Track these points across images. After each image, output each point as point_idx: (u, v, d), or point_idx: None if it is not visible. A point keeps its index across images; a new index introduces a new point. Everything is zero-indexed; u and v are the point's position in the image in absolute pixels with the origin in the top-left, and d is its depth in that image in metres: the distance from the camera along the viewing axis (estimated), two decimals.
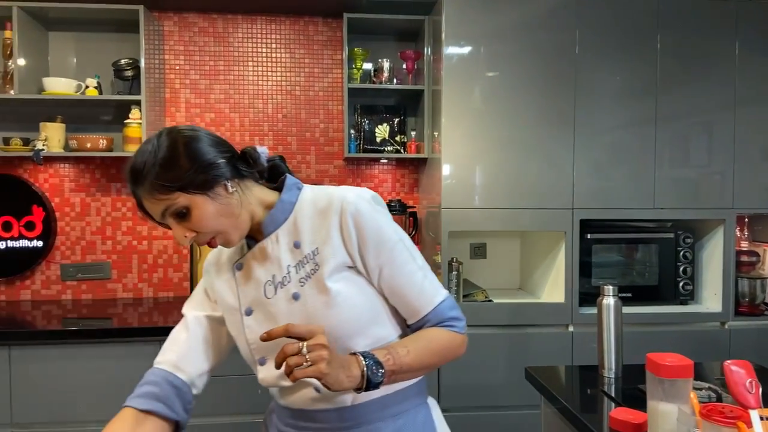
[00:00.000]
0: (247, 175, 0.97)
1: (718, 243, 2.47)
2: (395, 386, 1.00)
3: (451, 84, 2.31)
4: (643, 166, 2.38)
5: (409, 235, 2.13)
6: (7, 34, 2.40)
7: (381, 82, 2.62)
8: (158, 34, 2.66)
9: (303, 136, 2.77)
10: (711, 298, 2.49)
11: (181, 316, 1.08)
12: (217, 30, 2.73)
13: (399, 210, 2.65)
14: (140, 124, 2.43)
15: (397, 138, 2.75)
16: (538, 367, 1.69)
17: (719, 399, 1.30)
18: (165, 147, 0.90)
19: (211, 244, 0.96)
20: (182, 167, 0.89)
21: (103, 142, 2.43)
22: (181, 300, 2.58)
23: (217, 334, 1.06)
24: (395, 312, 1.02)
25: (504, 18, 2.31)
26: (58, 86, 2.39)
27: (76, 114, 2.57)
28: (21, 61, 2.35)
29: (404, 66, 2.67)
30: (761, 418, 0.94)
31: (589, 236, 2.39)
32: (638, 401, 1.36)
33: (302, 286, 0.96)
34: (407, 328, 1.04)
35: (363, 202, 0.97)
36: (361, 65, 2.65)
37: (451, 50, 2.30)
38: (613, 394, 1.48)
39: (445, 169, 2.31)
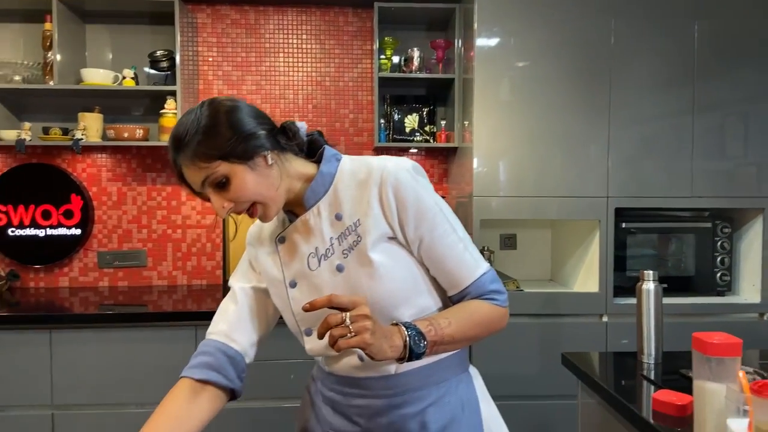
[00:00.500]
0: (286, 148, 0.98)
1: (757, 233, 2.41)
2: (437, 356, 1.00)
3: (482, 73, 2.30)
4: (680, 155, 2.34)
5: None
6: (47, 26, 2.46)
7: (411, 71, 2.62)
8: (192, 26, 2.70)
9: (333, 127, 2.79)
10: (749, 289, 2.44)
11: (215, 302, 1.10)
12: (248, 22, 2.76)
13: None
14: (175, 114, 2.48)
15: (427, 128, 2.74)
16: (575, 353, 1.67)
17: None
18: (207, 116, 0.91)
19: (252, 213, 0.95)
20: (223, 136, 0.89)
21: (139, 132, 2.48)
22: (214, 288, 2.64)
23: (264, 305, 1.08)
24: (436, 283, 1.02)
25: (537, 6, 2.29)
26: (97, 77, 2.45)
27: (112, 105, 2.63)
28: (60, 53, 2.41)
29: (434, 55, 2.67)
30: None
31: (624, 225, 2.35)
32: (681, 385, 1.34)
33: (345, 257, 0.96)
34: (449, 300, 1.04)
35: (403, 172, 0.96)
36: (391, 54, 2.65)
37: (483, 38, 2.29)
38: (653, 378, 1.45)
39: (477, 158, 2.30)
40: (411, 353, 0.87)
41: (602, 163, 2.32)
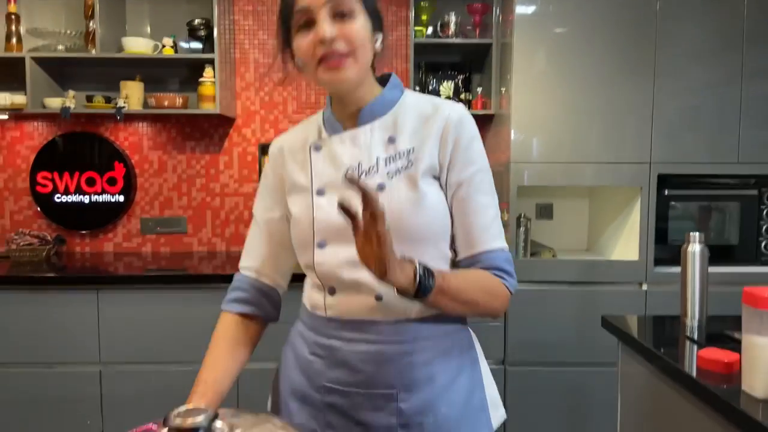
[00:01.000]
0: (378, 50, 0.98)
1: None
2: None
3: (522, 37, 2.26)
4: (727, 122, 2.27)
5: None
6: None
7: (447, 37, 2.58)
8: None
9: None
10: None
11: None
12: None
13: None
14: (213, 82, 2.51)
15: (462, 96, 2.71)
16: (616, 316, 1.66)
17: None
18: None
19: (339, 63, 0.90)
20: None
21: (179, 100, 2.52)
22: None
23: (290, 234, 1.05)
24: (452, 241, 1.00)
25: None
26: (137, 45, 2.49)
27: (151, 75, 2.66)
28: (100, 23, 2.45)
29: (471, 21, 2.63)
30: None
31: (666, 192, 2.30)
32: (727, 346, 1.32)
33: (390, 179, 0.94)
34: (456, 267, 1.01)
35: (469, 117, 0.98)
36: (427, 20, 2.62)
37: (523, 3, 2.24)
38: (696, 338, 1.43)
39: (514, 125, 2.27)
40: (419, 287, 0.84)
41: (646, 128, 2.26)
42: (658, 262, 2.31)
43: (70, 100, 2.50)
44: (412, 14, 2.53)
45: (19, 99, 2.45)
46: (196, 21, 2.60)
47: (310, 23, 0.90)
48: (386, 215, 0.78)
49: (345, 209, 0.76)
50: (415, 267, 0.84)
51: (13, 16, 2.51)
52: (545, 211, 2.75)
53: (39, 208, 2.72)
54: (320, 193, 0.98)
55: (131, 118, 2.74)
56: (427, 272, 0.85)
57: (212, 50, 2.50)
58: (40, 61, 2.49)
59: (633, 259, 2.30)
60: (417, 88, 2.69)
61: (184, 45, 2.55)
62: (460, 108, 0.98)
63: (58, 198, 2.71)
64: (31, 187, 2.71)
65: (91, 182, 2.72)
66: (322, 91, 2.76)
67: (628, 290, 2.30)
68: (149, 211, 2.79)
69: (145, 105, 2.59)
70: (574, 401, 2.33)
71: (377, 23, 0.95)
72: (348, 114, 1.00)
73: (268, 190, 1.08)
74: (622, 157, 2.27)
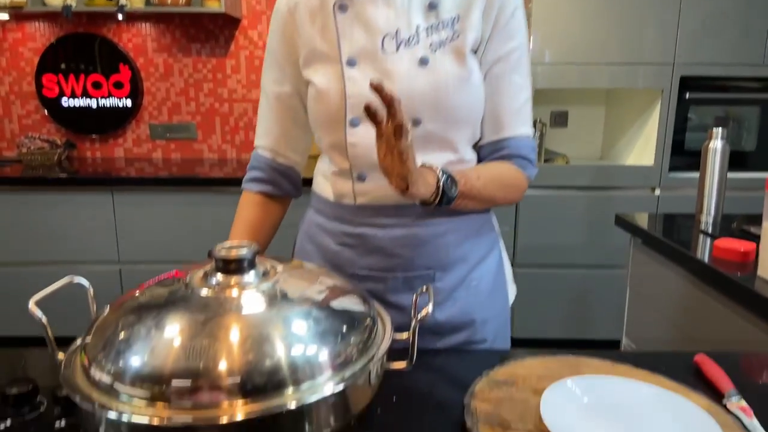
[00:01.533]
0: None
1: None
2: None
3: None
4: (755, 22, 2.17)
5: None
6: None
7: None
8: None
9: None
10: None
11: None
12: None
13: None
14: None
15: None
16: (628, 214, 1.66)
17: None
18: None
19: None
20: None
21: None
22: None
23: (304, 109, 0.97)
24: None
25: None
26: None
27: None
28: None
29: None
30: None
31: (688, 96, 2.24)
32: (743, 237, 1.32)
33: (433, 52, 0.87)
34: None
35: None
36: None
37: None
38: (710, 232, 1.44)
39: (533, 23, 2.18)
40: (443, 196, 0.81)
41: (671, 31, 2.17)
42: (674, 167, 2.29)
43: None
44: None
45: None
46: None
47: None
48: (428, 94, 0.76)
49: (378, 89, 0.65)
50: (438, 177, 0.80)
51: None
52: (560, 119, 2.70)
53: (47, 112, 2.69)
54: (351, 63, 0.87)
55: (134, 18, 2.65)
56: (450, 179, 0.82)
57: None
58: None
59: (648, 165, 2.28)
60: None
61: None
62: None
63: (65, 102, 2.67)
64: (37, 91, 2.66)
65: (97, 86, 2.67)
66: None
67: (641, 195, 2.30)
68: (158, 117, 2.75)
69: (147, 3, 2.48)
70: (581, 302, 2.39)
71: None
72: None
73: (276, 60, 0.96)
74: (644, 57, 2.19)
